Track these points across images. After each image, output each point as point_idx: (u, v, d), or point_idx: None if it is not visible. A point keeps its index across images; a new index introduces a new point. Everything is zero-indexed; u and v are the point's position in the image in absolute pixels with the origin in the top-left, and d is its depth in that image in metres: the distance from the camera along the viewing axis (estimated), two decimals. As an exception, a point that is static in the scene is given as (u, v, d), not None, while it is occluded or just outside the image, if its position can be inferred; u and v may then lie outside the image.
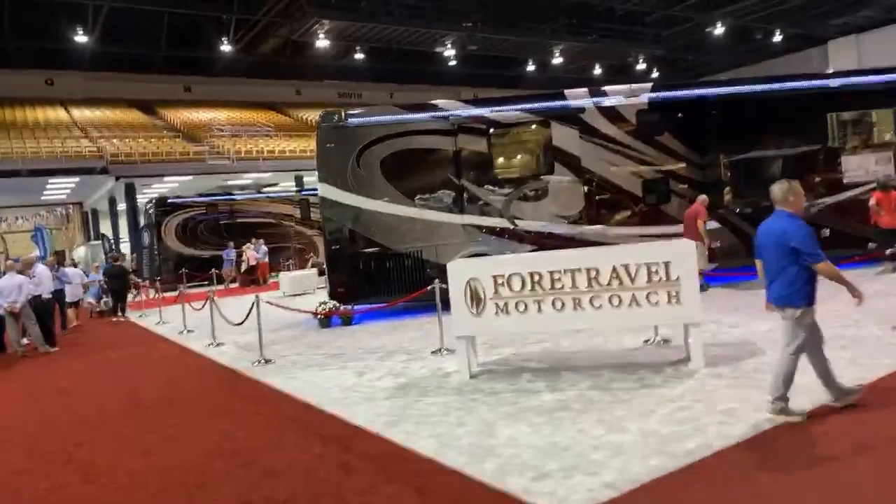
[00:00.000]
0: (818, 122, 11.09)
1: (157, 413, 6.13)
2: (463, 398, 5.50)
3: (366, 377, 6.64)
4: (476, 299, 5.99)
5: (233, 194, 25.99)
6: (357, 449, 4.56)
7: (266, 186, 31.93)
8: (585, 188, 10.67)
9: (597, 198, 10.72)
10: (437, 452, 4.28)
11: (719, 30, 37.04)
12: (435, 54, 35.30)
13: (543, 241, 10.54)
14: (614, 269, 5.74)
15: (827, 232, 11.03)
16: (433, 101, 10.98)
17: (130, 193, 26.79)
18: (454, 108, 10.70)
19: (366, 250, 10.39)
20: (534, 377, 5.96)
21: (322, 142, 10.54)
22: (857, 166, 10.99)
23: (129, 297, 16.61)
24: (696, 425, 4.32)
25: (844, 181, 11.03)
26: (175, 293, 21.46)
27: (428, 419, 5.02)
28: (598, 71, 40.61)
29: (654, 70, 43.03)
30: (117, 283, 15.05)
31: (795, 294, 4.33)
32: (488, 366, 6.59)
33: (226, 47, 34.62)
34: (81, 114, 33.95)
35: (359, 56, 35.71)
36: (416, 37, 32.16)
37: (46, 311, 11.39)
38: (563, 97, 10.87)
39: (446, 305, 6.10)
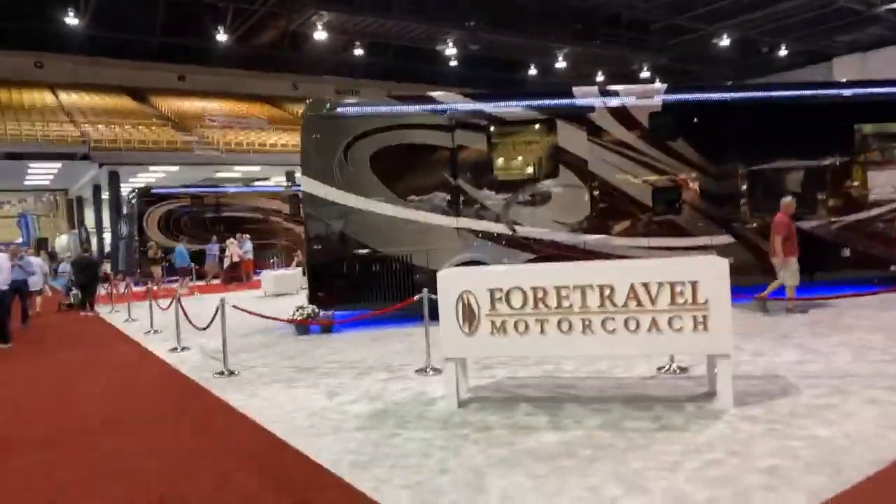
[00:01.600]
0: (844, 134, 10.31)
1: (87, 439, 5.22)
2: (448, 433, 4.65)
3: (337, 399, 5.77)
4: (469, 315, 5.14)
5: (220, 187, 25.08)
6: (315, 501, 3.70)
7: (256, 181, 31.03)
8: (591, 194, 9.84)
9: (603, 205, 9.89)
10: (412, 511, 3.43)
11: (725, 41, 36.44)
12: (436, 53, 34.48)
13: (544, 250, 9.71)
14: (632, 288, 4.89)
15: (847, 251, 10.30)
16: (430, 94, 10.16)
17: (114, 182, 25.85)
18: (453, 101, 9.85)
19: (350, 252, 9.53)
20: (532, 409, 5.11)
21: (308, 132, 9.69)
22: (885, 182, 10.21)
23: (101, 290, 15.68)
24: (735, 489, 3.48)
25: (870, 198, 10.25)
26: (154, 287, 20.70)
27: (404, 460, 4.16)
28: (600, 77, 39.90)
29: (658, 79, 42.36)
30: (86, 276, 14.11)
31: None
32: (480, 391, 5.73)
33: (222, 36, 33.70)
34: (69, 98, 32.96)
35: (358, 52, 34.88)
36: (416, 33, 31.34)
37: (2, 304, 10.46)
38: (571, 95, 10.06)
39: (435, 315, 5.25)
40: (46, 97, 32.71)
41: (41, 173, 27.94)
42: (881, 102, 10.51)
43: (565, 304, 5.00)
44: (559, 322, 5.01)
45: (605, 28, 35.37)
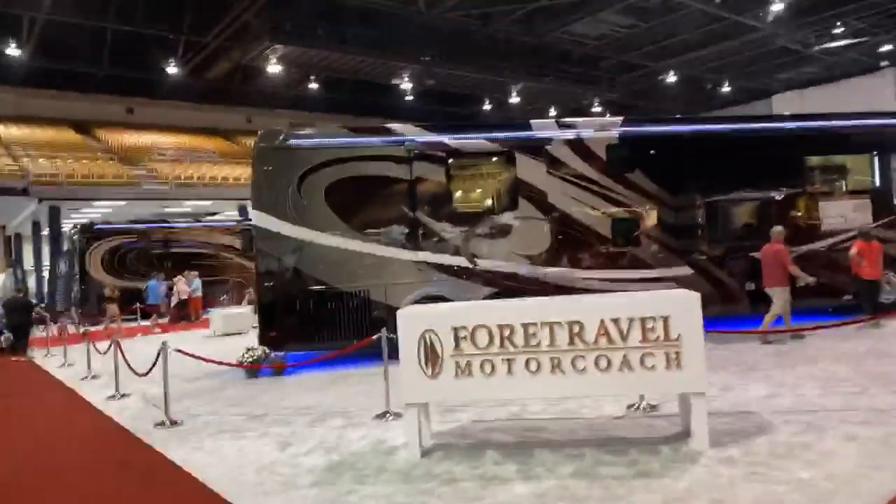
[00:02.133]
0: (796, 166, 10.52)
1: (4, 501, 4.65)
2: (411, 488, 4.27)
3: (290, 450, 5.32)
4: (432, 357, 4.81)
5: (168, 222, 24.20)
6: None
7: (207, 215, 30.16)
8: (551, 226, 9.71)
9: (563, 237, 9.76)
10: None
11: (671, 78, 37.77)
12: (392, 87, 34.57)
13: (505, 283, 9.48)
14: (602, 324, 4.66)
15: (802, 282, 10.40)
16: (387, 125, 9.95)
17: (55, 217, 24.66)
18: (410, 133, 9.64)
19: (304, 288, 9.11)
20: (501, 457, 4.77)
21: (260, 164, 9.31)
22: (837, 213, 10.41)
23: (36, 332, 14.71)
24: (725, 544, 3.21)
25: (822, 228, 10.42)
26: (97, 328, 19.63)
27: (364, 522, 3.77)
28: (553, 112, 40.67)
29: (608, 113, 43.44)
30: (19, 318, 13.19)
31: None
32: (443, 437, 5.37)
33: (173, 69, 33.04)
34: (8, 131, 31.59)
35: (313, 86, 34.67)
36: (372, 68, 31.34)
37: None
38: (529, 128, 10.00)
39: (396, 354, 4.90)
40: (-17, 130, 31.30)
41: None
42: (827, 136, 10.79)
43: (533, 342, 4.73)
44: (527, 362, 4.73)
45: (556, 64, 36.15)
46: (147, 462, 5.41)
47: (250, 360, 8.72)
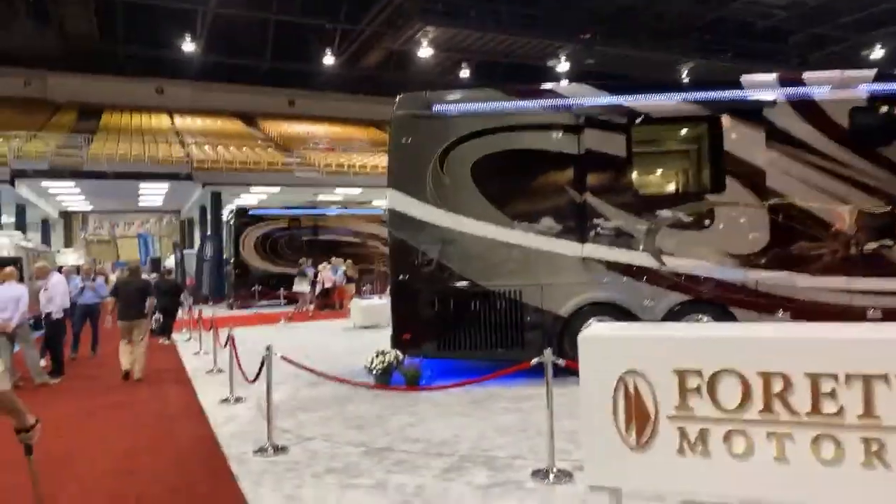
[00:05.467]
0: None
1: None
2: None
3: (411, 524, 3.67)
4: (638, 416, 2.90)
5: (318, 208, 24.15)
6: None
7: (359, 204, 30.19)
8: (769, 216, 7.27)
9: (785, 231, 7.28)
10: None
11: (877, 53, 31.99)
12: (547, 70, 32.43)
13: (700, 289, 7.25)
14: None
15: None
16: (551, 86, 8.06)
17: (216, 202, 25.66)
18: (581, 94, 7.67)
19: (443, 285, 7.51)
20: None
21: (396, 134, 7.86)
22: None
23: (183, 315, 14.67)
24: None
25: None
26: (248, 312, 19.79)
27: None
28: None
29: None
30: (167, 301, 13.01)
31: None
32: (641, 532, 3.43)
33: (329, 59, 33.58)
34: (184, 122, 33.83)
35: (465, 73, 33.57)
36: (527, 48, 29.46)
37: (56, 332, 9.34)
38: (741, 86, 7.58)
39: (561, 373, 3.07)
40: (164, 121, 33.76)
41: (151, 194, 28.42)
42: None
43: (828, 408, 2.65)
44: (816, 441, 2.66)
45: (735, 39, 31.96)
46: (228, 510, 4.05)
47: (380, 367, 7.30)
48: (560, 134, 7.51)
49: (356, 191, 27.76)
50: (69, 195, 27.54)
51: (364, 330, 13.74)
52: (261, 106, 37.89)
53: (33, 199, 25.30)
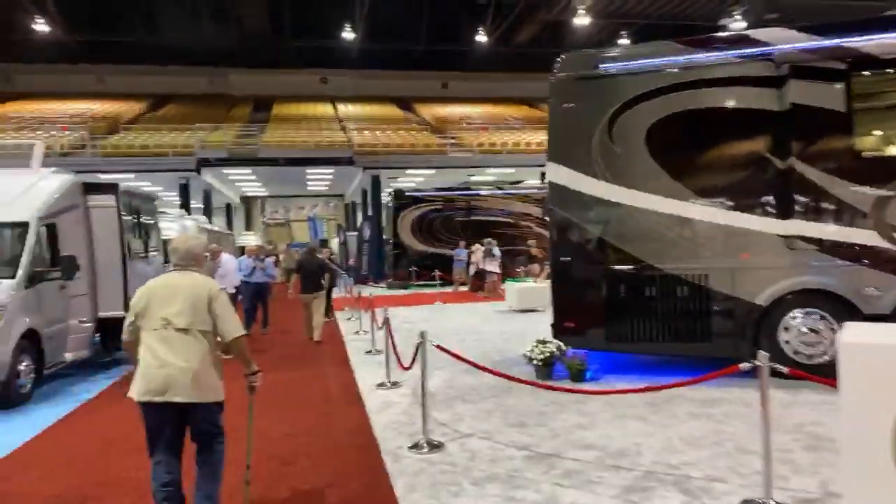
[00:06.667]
0: None
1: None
2: None
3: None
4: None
5: (471, 189, 23.94)
6: None
7: (514, 183, 29.71)
8: None
9: None
10: None
11: None
12: (718, 31, 29.35)
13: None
14: None
15: None
16: (746, 32, 6.81)
17: (375, 185, 26.45)
18: (783, 39, 6.36)
19: (612, 268, 6.67)
20: None
21: (557, 100, 7.10)
22: None
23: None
24: None
25: None
26: (405, 292, 20.12)
27: None
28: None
29: None
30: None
31: None
32: None
33: (482, 37, 33.17)
34: (346, 110, 35.34)
35: (623, 42, 31.46)
36: (695, 7, 26.83)
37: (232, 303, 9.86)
38: None
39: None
40: (328, 109, 35.54)
41: (317, 179, 30.03)
42: None
43: None
44: None
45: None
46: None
47: (541, 359, 6.66)
48: (757, 88, 6.29)
49: (510, 170, 27.26)
50: (246, 181, 29.93)
51: (519, 314, 13.16)
52: (415, 90, 38.60)
53: (217, 185, 27.78)
